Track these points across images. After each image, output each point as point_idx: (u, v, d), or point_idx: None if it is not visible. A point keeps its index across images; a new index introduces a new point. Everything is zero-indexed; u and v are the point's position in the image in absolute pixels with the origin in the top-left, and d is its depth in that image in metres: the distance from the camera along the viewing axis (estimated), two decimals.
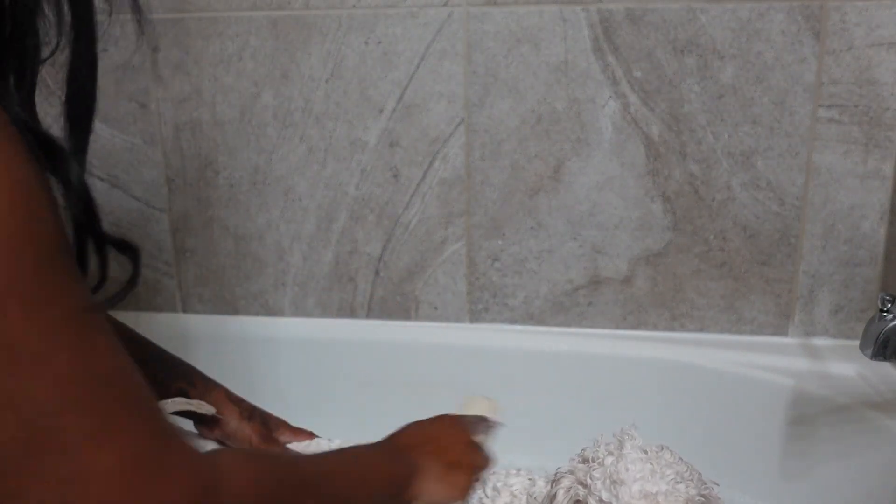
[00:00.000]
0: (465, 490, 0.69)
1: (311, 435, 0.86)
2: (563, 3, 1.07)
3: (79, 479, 0.40)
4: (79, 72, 0.50)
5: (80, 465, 0.40)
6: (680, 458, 0.65)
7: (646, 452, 0.64)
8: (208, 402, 0.82)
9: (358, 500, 0.60)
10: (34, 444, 0.40)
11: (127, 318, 0.78)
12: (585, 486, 0.63)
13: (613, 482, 0.61)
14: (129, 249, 0.52)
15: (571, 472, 0.66)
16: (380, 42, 1.13)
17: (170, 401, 0.76)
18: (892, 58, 1.03)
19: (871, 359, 0.93)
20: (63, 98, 0.50)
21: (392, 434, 0.70)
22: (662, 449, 0.65)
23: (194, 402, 0.77)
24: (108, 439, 0.41)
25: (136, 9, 0.53)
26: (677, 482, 0.62)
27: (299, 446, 0.84)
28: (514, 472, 0.76)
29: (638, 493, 0.61)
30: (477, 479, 0.71)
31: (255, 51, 1.16)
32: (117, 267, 0.51)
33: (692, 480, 0.63)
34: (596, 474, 0.63)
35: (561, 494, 0.65)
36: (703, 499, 0.63)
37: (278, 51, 1.15)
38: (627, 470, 0.62)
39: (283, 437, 0.85)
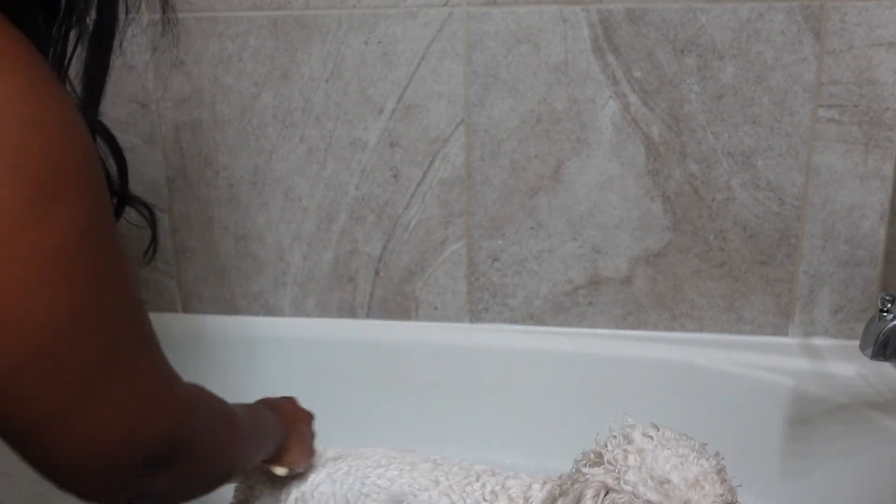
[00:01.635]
0: (313, 452, 0.83)
1: None
2: (563, 3, 1.07)
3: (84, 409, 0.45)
4: (99, 39, 0.58)
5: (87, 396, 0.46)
6: (676, 432, 0.65)
7: (652, 438, 0.63)
8: None
9: (253, 444, 0.71)
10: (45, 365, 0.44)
11: None
12: (617, 490, 0.61)
13: (661, 482, 0.59)
14: (145, 206, 0.63)
15: (596, 480, 0.62)
16: (380, 42, 1.13)
17: None
18: (892, 58, 1.03)
19: (871, 359, 0.93)
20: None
21: (259, 401, 0.80)
22: (659, 429, 0.64)
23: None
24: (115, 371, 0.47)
25: (166, 7, 0.60)
26: (698, 459, 0.61)
27: None
28: (512, 475, 0.75)
29: (683, 484, 0.59)
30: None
31: (255, 51, 1.16)
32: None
33: (701, 450, 0.63)
34: (630, 477, 0.60)
35: None
36: (721, 465, 0.63)
37: (278, 51, 1.15)
38: (657, 462, 0.60)
39: None
